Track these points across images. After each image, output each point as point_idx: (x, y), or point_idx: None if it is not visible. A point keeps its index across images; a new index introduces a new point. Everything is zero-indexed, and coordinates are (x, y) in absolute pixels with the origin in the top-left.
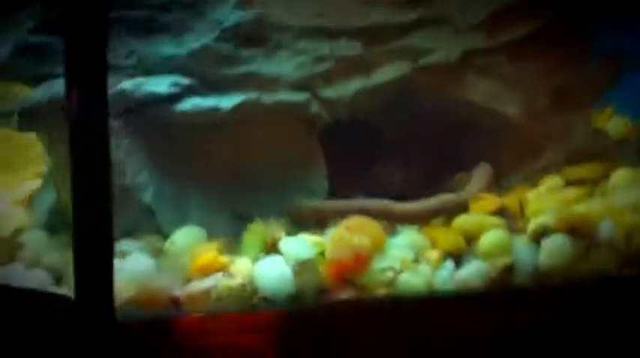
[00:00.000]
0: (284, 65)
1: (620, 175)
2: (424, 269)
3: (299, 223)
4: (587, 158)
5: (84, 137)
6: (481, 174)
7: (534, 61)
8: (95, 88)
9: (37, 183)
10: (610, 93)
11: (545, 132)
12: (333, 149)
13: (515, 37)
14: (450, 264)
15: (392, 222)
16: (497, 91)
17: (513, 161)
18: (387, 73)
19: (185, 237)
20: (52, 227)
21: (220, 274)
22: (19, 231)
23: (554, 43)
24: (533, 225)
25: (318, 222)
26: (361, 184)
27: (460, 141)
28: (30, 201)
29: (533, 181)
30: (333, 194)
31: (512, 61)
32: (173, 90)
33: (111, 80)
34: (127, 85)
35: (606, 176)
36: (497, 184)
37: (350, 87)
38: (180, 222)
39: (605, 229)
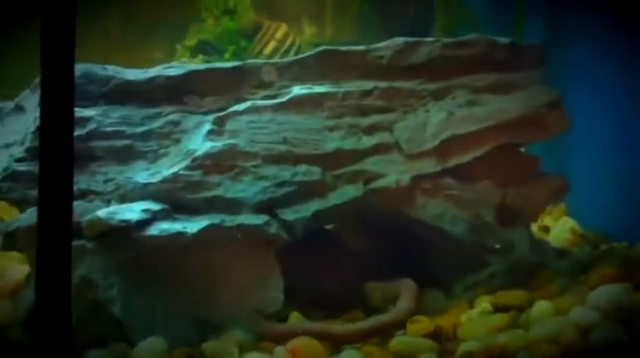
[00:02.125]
0: (248, 190)
1: (540, 306)
2: None
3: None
4: (529, 270)
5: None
6: (407, 291)
7: (480, 180)
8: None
9: (21, 270)
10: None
11: (489, 246)
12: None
13: (462, 161)
14: None
15: (331, 343)
16: (445, 211)
17: (459, 272)
18: (342, 195)
19: (148, 348)
20: (30, 328)
21: None
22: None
23: (500, 164)
24: (460, 351)
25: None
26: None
27: (413, 256)
28: (13, 292)
29: (475, 293)
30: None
31: (460, 183)
32: (144, 216)
33: (89, 205)
34: (101, 213)
35: (531, 304)
36: (446, 293)
37: (308, 208)
38: (146, 331)
39: None
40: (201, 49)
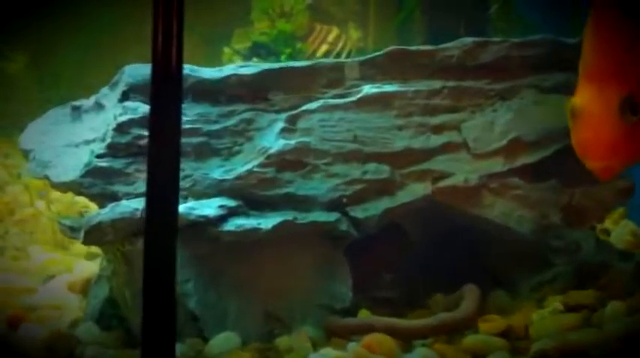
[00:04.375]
0: (319, 187)
1: (614, 305)
2: None
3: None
4: (594, 270)
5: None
6: (471, 293)
7: (547, 181)
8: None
9: (91, 265)
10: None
11: (554, 246)
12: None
13: (530, 161)
14: None
15: (397, 338)
16: (512, 210)
17: (524, 272)
18: (411, 194)
19: (222, 343)
20: (104, 321)
21: None
22: (74, 324)
23: (567, 164)
24: (533, 349)
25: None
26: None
27: (478, 254)
28: (84, 287)
29: (541, 293)
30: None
31: (527, 182)
32: (220, 212)
33: None
34: (181, 208)
35: (602, 303)
36: (511, 293)
37: (377, 206)
38: (220, 327)
39: None
40: (255, 52)
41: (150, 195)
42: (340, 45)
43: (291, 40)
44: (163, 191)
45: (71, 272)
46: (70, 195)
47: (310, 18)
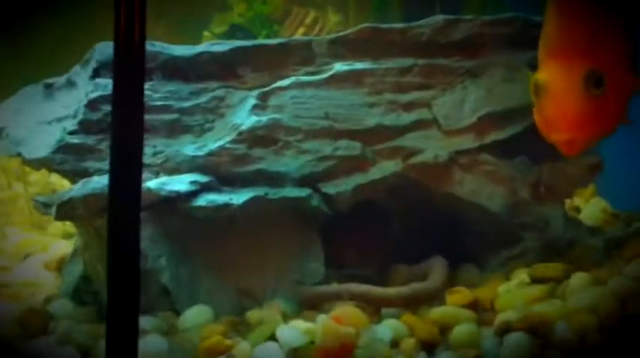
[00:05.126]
0: (290, 164)
1: (578, 277)
2: None
3: (296, 301)
4: (561, 247)
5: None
6: (438, 266)
7: (516, 157)
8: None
9: (66, 244)
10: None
11: (523, 222)
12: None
13: (499, 138)
14: (422, 355)
15: (371, 304)
16: (482, 187)
17: (494, 248)
18: (382, 170)
19: (194, 316)
20: (78, 297)
21: (224, 356)
22: (48, 300)
23: (536, 141)
24: (498, 321)
25: (312, 304)
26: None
27: (449, 230)
28: (59, 265)
29: (510, 268)
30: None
31: (496, 159)
32: (192, 187)
33: None
34: (151, 184)
35: (568, 276)
36: (481, 268)
37: (349, 183)
38: (193, 301)
39: (561, 329)
40: (233, 34)
41: (113, 171)
42: (317, 28)
43: (267, 22)
44: (127, 166)
45: (47, 252)
46: (47, 177)
47: (288, 1)
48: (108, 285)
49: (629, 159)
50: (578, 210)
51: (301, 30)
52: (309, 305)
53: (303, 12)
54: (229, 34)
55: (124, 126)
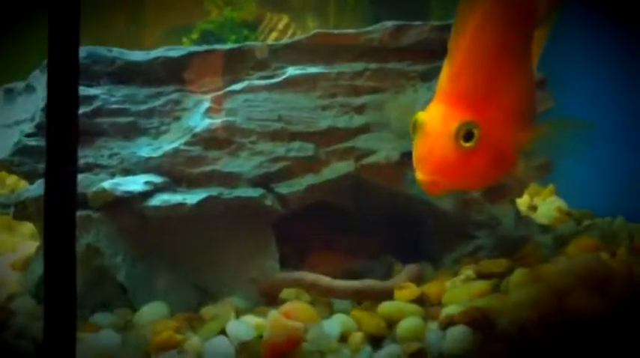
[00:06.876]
0: (244, 164)
1: (520, 272)
2: (346, 352)
3: (252, 298)
4: (513, 244)
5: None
6: (408, 272)
7: None
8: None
9: (33, 245)
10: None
11: (476, 221)
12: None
13: None
14: (368, 348)
15: (320, 294)
16: None
17: (446, 246)
18: (334, 171)
19: (150, 312)
20: (40, 294)
21: (175, 351)
22: (11, 298)
23: None
24: (442, 314)
25: (268, 298)
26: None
27: (402, 229)
28: (25, 265)
29: (462, 265)
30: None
31: None
32: (146, 188)
33: (95, 178)
34: (106, 184)
35: (511, 271)
36: (434, 266)
37: (302, 183)
38: (149, 297)
39: (501, 323)
40: (205, 39)
41: (48, 176)
42: (290, 32)
43: (237, 27)
44: (62, 171)
45: (15, 252)
46: (17, 181)
47: (261, 6)
48: (45, 282)
49: (588, 159)
50: (535, 208)
51: (274, 35)
52: (269, 294)
53: (276, 17)
54: (202, 40)
55: (58, 128)
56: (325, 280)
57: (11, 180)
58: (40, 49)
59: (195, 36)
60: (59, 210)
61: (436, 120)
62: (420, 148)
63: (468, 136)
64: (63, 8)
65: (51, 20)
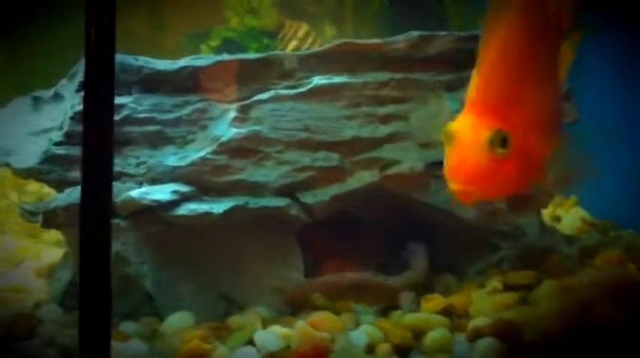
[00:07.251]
0: (270, 174)
1: (548, 284)
2: None
3: (276, 308)
4: (537, 255)
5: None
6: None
7: None
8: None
9: (57, 252)
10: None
11: (500, 231)
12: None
13: None
14: None
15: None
16: None
17: (471, 256)
18: (359, 180)
19: (176, 321)
20: (66, 302)
21: None
22: (38, 306)
23: None
24: (470, 326)
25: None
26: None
27: (427, 240)
28: (50, 272)
29: (487, 275)
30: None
31: None
32: (173, 197)
33: (123, 186)
34: (134, 193)
35: (538, 283)
36: (459, 276)
37: (327, 192)
38: (175, 306)
39: (529, 335)
40: (226, 48)
41: (85, 183)
42: (310, 40)
43: (259, 35)
44: (97, 179)
45: (39, 259)
46: (43, 187)
47: (281, 14)
48: (79, 291)
49: (611, 170)
50: (559, 219)
51: (293, 43)
52: (296, 299)
53: (295, 25)
54: (223, 48)
55: (94, 137)
56: (373, 279)
57: (34, 187)
58: (63, 57)
59: (214, 42)
60: (95, 219)
61: (467, 129)
62: (452, 158)
63: (502, 143)
64: (99, 16)
65: (87, 27)
